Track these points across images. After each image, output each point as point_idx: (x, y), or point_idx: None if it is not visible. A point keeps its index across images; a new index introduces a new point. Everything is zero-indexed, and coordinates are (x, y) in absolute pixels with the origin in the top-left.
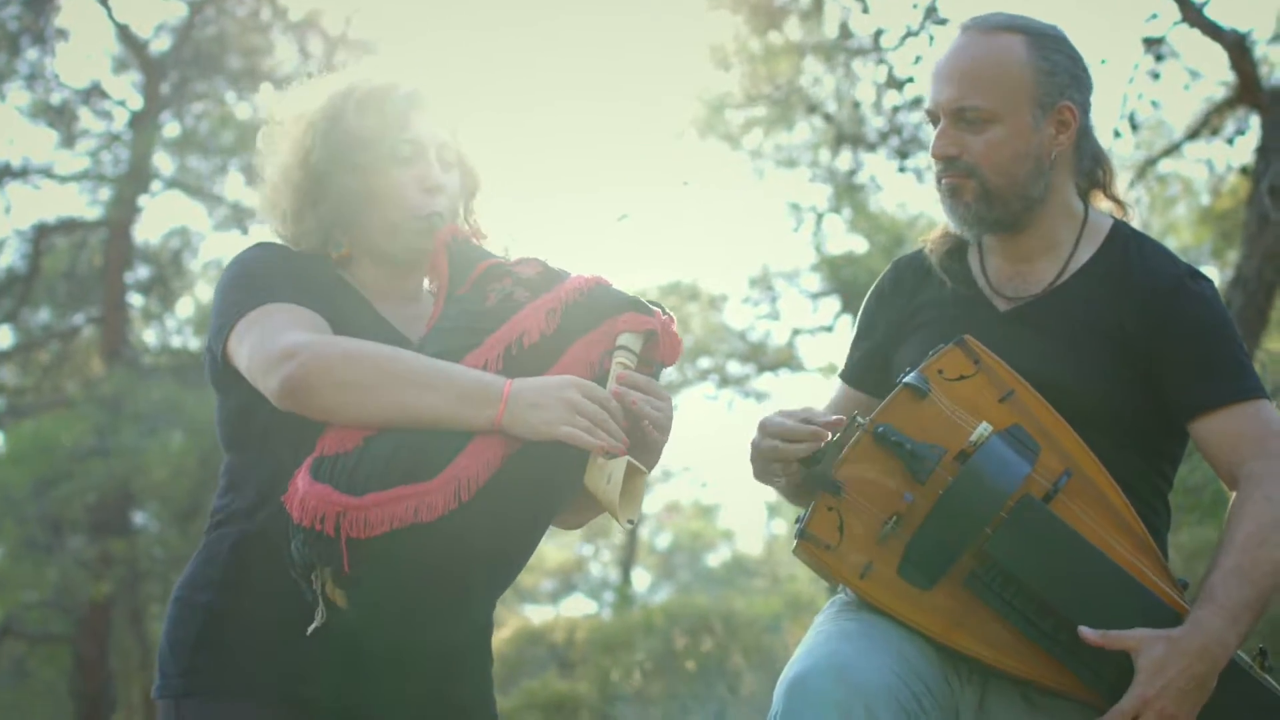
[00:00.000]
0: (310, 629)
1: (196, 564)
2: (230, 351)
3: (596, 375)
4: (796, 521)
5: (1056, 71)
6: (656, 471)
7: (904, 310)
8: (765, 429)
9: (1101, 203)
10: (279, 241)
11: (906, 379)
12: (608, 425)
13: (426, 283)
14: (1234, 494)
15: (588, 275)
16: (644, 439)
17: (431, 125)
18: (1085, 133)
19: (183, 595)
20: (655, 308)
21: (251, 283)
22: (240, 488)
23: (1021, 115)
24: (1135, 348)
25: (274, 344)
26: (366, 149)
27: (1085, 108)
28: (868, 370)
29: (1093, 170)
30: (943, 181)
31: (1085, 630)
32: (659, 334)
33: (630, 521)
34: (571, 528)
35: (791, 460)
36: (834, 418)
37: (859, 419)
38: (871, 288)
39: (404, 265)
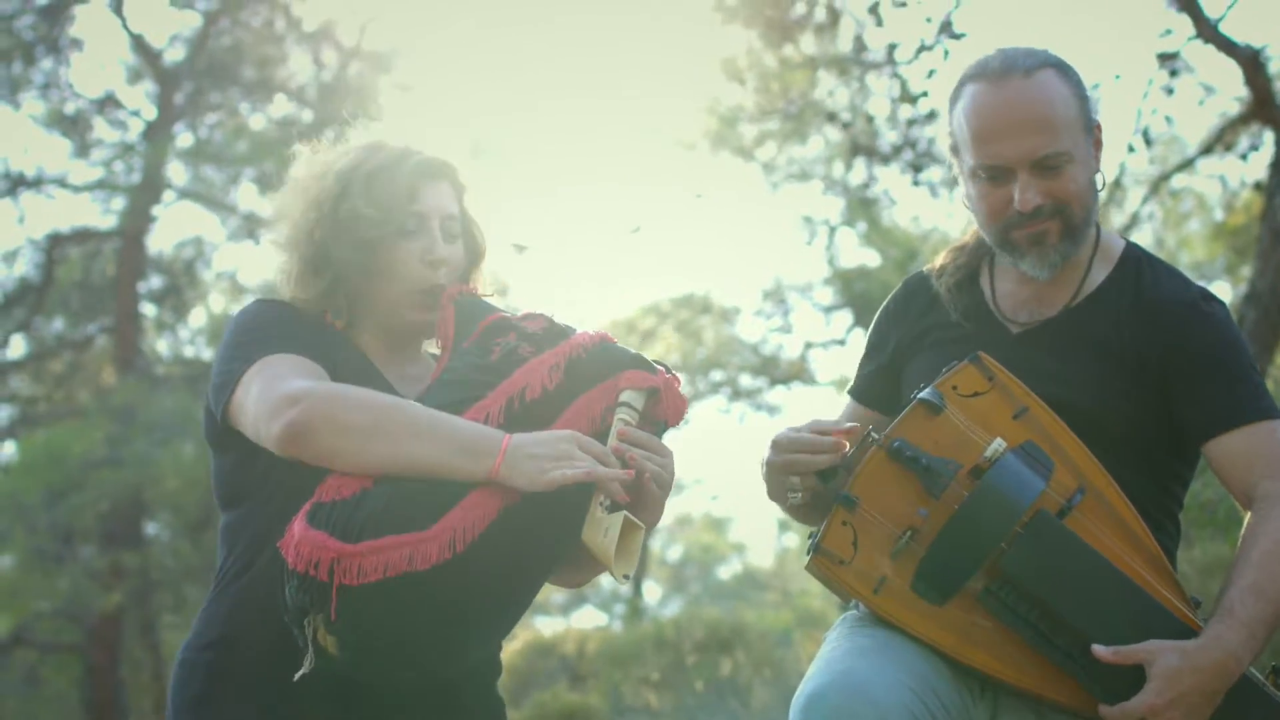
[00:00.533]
0: (298, 675)
1: (198, 626)
2: (234, 408)
3: (598, 431)
4: (810, 537)
5: (1083, 95)
6: None
7: (914, 329)
8: (781, 444)
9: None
10: (281, 299)
11: (921, 394)
12: (606, 460)
13: (430, 345)
14: (1249, 513)
15: (592, 332)
16: (644, 495)
17: (438, 197)
18: None
19: (186, 657)
20: (660, 367)
21: (252, 337)
22: (235, 544)
23: (1083, 146)
24: (1149, 369)
25: (278, 390)
26: (371, 227)
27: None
28: (878, 388)
29: None
30: (1025, 233)
31: (1098, 648)
32: (662, 392)
33: (626, 576)
34: (571, 586)
35: (811, 472)
36: (849, 425)
37: (873, 434)
38: (882, 305)
39: (404, 335)
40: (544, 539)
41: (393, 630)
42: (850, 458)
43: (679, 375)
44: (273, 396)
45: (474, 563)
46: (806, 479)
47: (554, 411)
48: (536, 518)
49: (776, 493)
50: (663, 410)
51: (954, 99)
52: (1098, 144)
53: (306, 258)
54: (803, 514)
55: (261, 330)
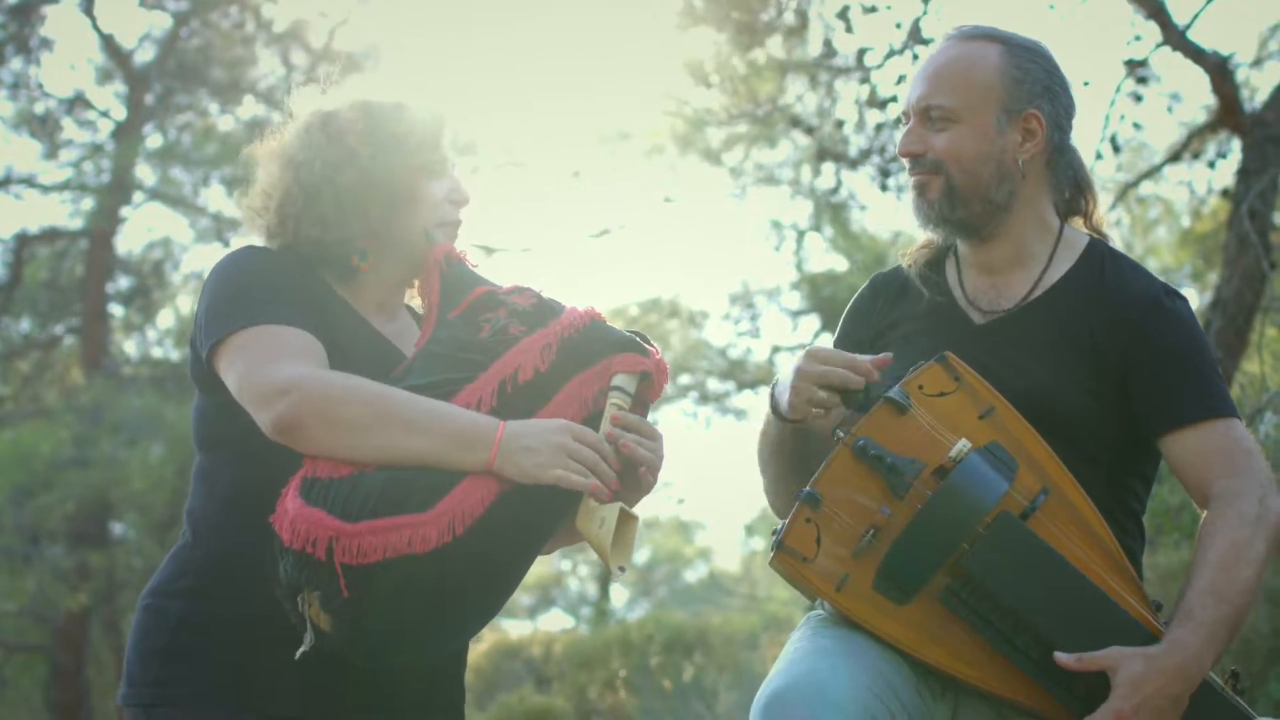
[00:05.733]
0: (299, 653)
1: (168, 571)
2: (217, 364)
3: (590, 414)
4: (774, 533)
5: (1026, 80)
6: None
7: (880, 325)
8: (820, 356)
9: (1081, 228)
10: (268, 246)
11: (888, 394)
12: (600, 469)
13: (412, 297)
14: (1205, 512)
15: (582, 309)
16: (635, 480)
17: (450, 144)
18: (1061, 149)
19: (153, 603)
20: (649, 347)
21: (244, 294)
22: (213, 489)
23: (983, 117)
24: (1109, 363)
25: (266, 376)
26: (415, 154)
27: (1056, 120)
28: None
29: (1075, 196)
30: (911, 179)
31: (1061, 655)
32: (654, 375)
33: (622, 568)
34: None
35: (841, 389)
36: (883, 355)
37: (839, 432)
38: (849, 304)
39: (405, 279)
40: (539, 523)
41: (389, 611)
42: (872, 392)
43: (658, 347)
44: (262, 382)
45: (472, 546)
46: (832, 395)
47: (547, 393)
48: (532, 502)
49: (796, 402)
50: (654, 392)
51: None
52: (1025, 131)
53: (334, 198)
54: (792, 449)
55: (257, 287)
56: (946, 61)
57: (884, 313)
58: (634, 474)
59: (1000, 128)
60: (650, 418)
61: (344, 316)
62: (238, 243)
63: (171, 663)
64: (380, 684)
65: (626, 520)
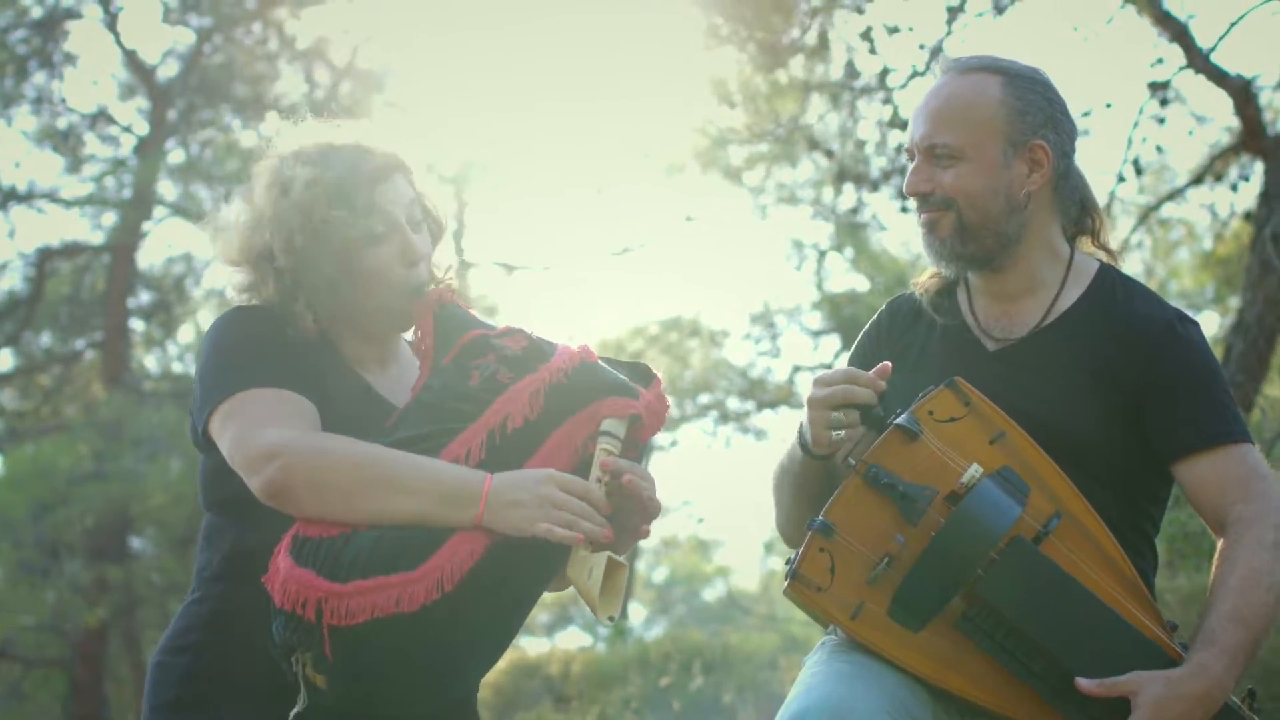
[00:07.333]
0: (293, 713)
1: (176, 627)
2: (211, 432)
3: (580, 460)
4: (788, 563)
5: (1029, 111)
6: None
7: (893, 350)
8: (826, 379)
9: (1090, 250)
10: (262, 308)
11: (898, 420)
12: (589, 517)
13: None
14: (1221, 538)
15: (574, 349)
16: (627, 527)
17: (398, 190)
18: (1066, 175)
19: (161, 660)
20: (643, 382)
21: (232, 360)
22: (218, 546)
23: (989, 152)
24: (1122, 389)
25: (254, 442)
26: (347, 233)
27: (1062, 149)
28: None
29: (1081, 217)
30: (921, 217)
31: (1082, 682)
32: (644, 418)
33: (610, 618)
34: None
35: (854, 406)
36: (883, 364)
37: (850, 460)
38: (864, 328)
39: (386, 335)
40: (529, 575)
41: (381, 669)
42: (890, 394)
43: (660, 376)
44: (250, 449)
45: (462, 601)
46: (850, 414)
47: (536, 440)
48: (521, 555)
49: (817, 435)
50: (645, 434)
51: None
52: (1031, 162)
53: (281, 283)
54: (814, 491)
55: (245, 351)
56: (948, 97)
57: (898, 338)
58: (627, 520)
59: (1006, 161)
60: (669, 438)
61: (334, 370)
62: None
63: (180, 713)
64: None
65: (615, 569)
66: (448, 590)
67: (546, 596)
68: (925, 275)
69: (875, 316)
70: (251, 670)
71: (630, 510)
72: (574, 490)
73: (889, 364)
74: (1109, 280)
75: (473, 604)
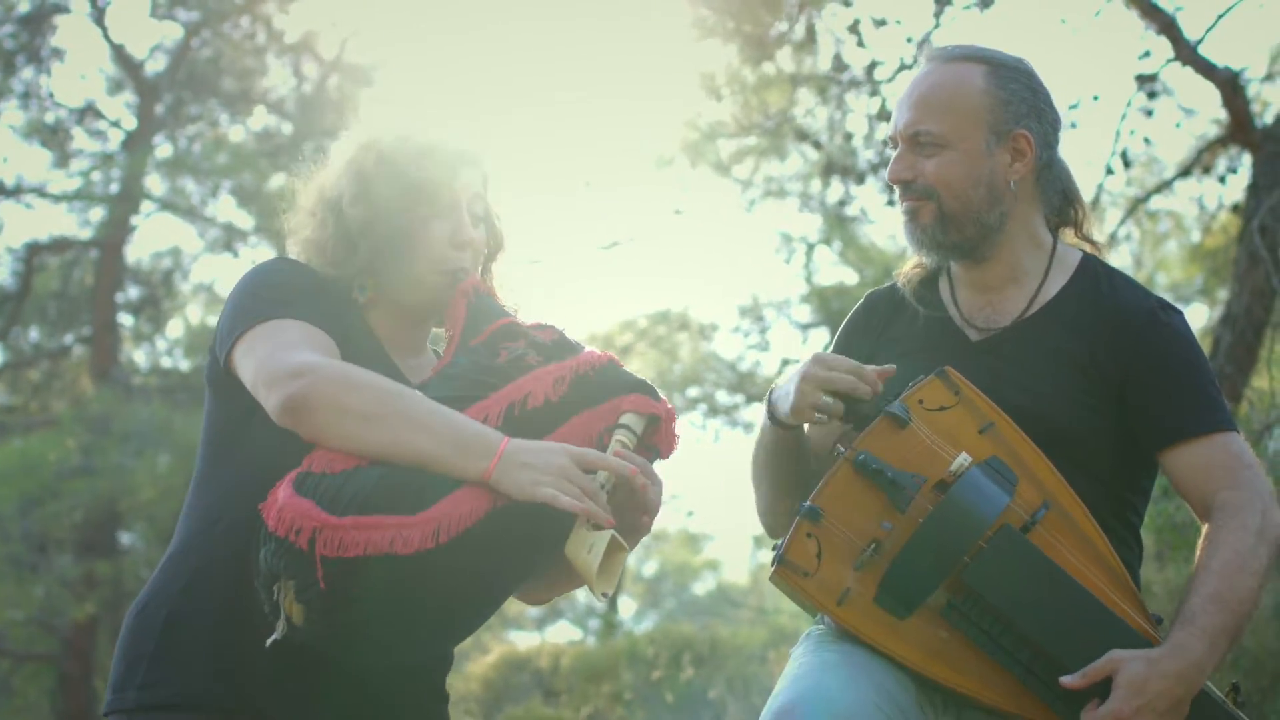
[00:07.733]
0: (269, 641)
1: (157, 580)
2: (236, 359)
3: (594, 448)
4: (774, 548)
5: (1013, 100)
6: None
7: (876, 343)
8: (828, 362)
9: (1074, 241)
10: (302, 260)
11: (888, 408)
12: (596, 497)
13: (440, 331)
14: (1207, 524)
15: (601, 352)
16: (631, 522)
17: (470, 180)
18: (1049, 165)
19: (140, 610)
20: (662, 397)
21: (270, 293)
22: (207, 495)
23: (973, 141)
24: (1107, 378)
25: (284, 360)
26: (408, 204)
27: (1045, 139)
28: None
29: (1064, 208)
30: (903, 204)
31: (1067, 679)
32: (662, 419)
33: (605, 594)
34: (537, 603)
35: (846, 396)
36: (887, 367)
37: (839, 447)
38: (844, 320)
39: (418, 315)
40: (526, 546)
41: (362, 609)
42: (884, 395)
43: (674, 408)
44: (278, 365)
45: (454, 557)
46: (837, 402)
47: (553, 423)
48: (522, 523)
49: (800, 406)
50: (659, 438)
51: None
52: (1014, 151)
53: (351, 228)
54: (786, 463)
55: (283, 289)
56: (932, 86)
57: (880, 330)
58: (632, 515)
59: (989, 150)
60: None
61: (365, 341)
62: (247, 254)
63: (158, 665)
64: (364, 684)
65: (615, 549)
66: (443, 541)
67: None
68: (908, 265)
69: (854, 309)
70: (233, 620)
71: (634, 506)
72: (587, 465)
73: (894, 367)
74: (1092, 270)
75: (466, 562)
